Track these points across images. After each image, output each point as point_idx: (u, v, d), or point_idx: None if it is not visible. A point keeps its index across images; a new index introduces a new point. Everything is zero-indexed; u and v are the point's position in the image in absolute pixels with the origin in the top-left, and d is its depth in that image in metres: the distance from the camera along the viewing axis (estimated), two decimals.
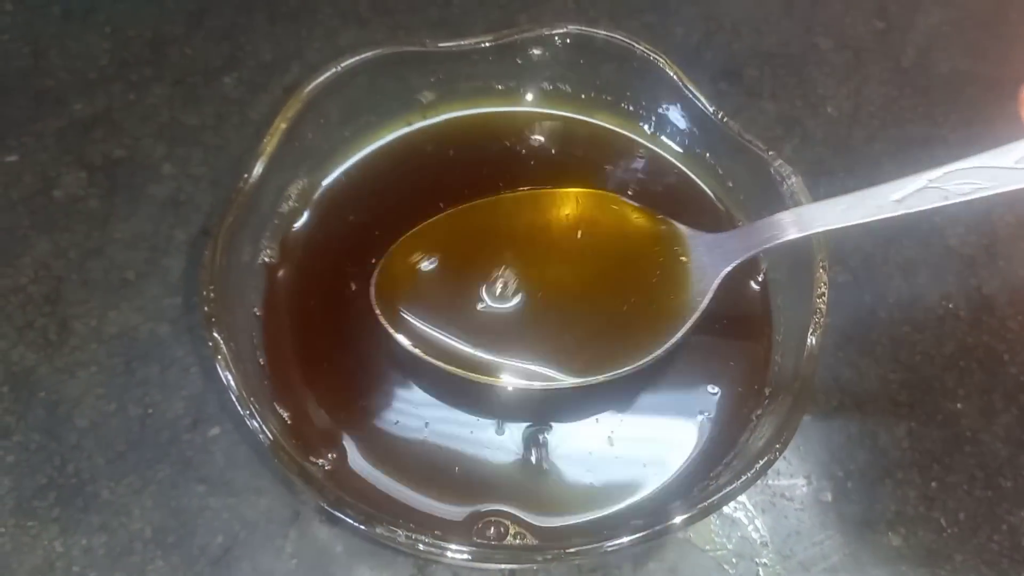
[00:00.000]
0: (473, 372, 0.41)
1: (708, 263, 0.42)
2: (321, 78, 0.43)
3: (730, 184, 0.47)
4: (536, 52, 0.47)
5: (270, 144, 0.41)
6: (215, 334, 0.37)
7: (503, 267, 0.43)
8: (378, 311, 0.42)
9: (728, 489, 0.34)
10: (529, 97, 0.49)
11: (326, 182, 0.47)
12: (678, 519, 0.34)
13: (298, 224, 0.46)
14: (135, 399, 0.47)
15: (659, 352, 0.41)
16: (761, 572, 0.44)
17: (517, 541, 0.37)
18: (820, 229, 0.40)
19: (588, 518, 0.39)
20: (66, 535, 0.44)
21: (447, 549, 0.34)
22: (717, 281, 0.41)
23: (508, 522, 0.38)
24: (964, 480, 0.48)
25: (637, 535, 0.34)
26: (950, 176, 0.40)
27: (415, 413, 0.41)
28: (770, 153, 0.42)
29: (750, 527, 0.45)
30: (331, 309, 0.44)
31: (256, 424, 0.36)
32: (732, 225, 0.46)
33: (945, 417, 0.49)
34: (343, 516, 0.34)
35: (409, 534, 0.34)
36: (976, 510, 0.47)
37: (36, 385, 0.47)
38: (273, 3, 0.60)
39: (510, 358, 0.41)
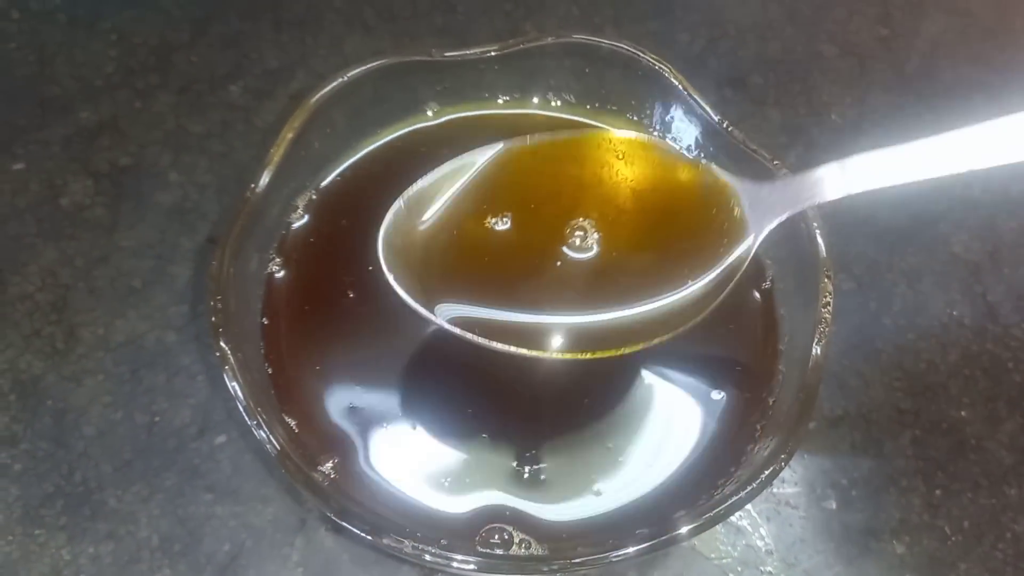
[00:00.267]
0: (504, 339, 0.39)
1: (752, 217, 0.40)
2: (327, 88, 0.43)
3: None
4: (541, 61, 0.47)
5: (277, 154, 0.42)
6: (223, 344, 0.37)
7: (530, 217, 0.42)
8: (386, 268, 0.39)
9: (734, 499, 0.35)
10: (535, 102, 0.50)
11: (332, 191, 0.47)
12: (684, 529, 0.34)
13: (304, 233, 0.46)
14: (142, 407, 0.47)
15: (698, 318, 0.39)
16: None
17: (522, 549, 0.37)
18: (877, 186, 0.37)
19: (592, 526, 0.39)
20: (73, 543, 0.44)
21: (453, 559, 0.34)
22: (762, 236, 0.39)
23: (512, 528, 0.39)
24: (968, 488, 0.48)
25: (643, 545, 0.34)
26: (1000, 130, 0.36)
27: (418, 420, 0.41)
28: (775, 163, 0.42)
29: (755, 535, 0.45)
30: (337, 318, 0.44)
31: (263, 434, 0.36)
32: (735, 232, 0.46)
33: (950, 425, 0.49)
34: (350, 527, 0.34)
35: (416, 544, 0.34)
36: (980, 518, 0.47)
37: (43, 393, 0.47)
38: (278, 11, 0.60)
39: (540, 319, 0.40)
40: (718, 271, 0.40)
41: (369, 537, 0.34)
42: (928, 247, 0.55)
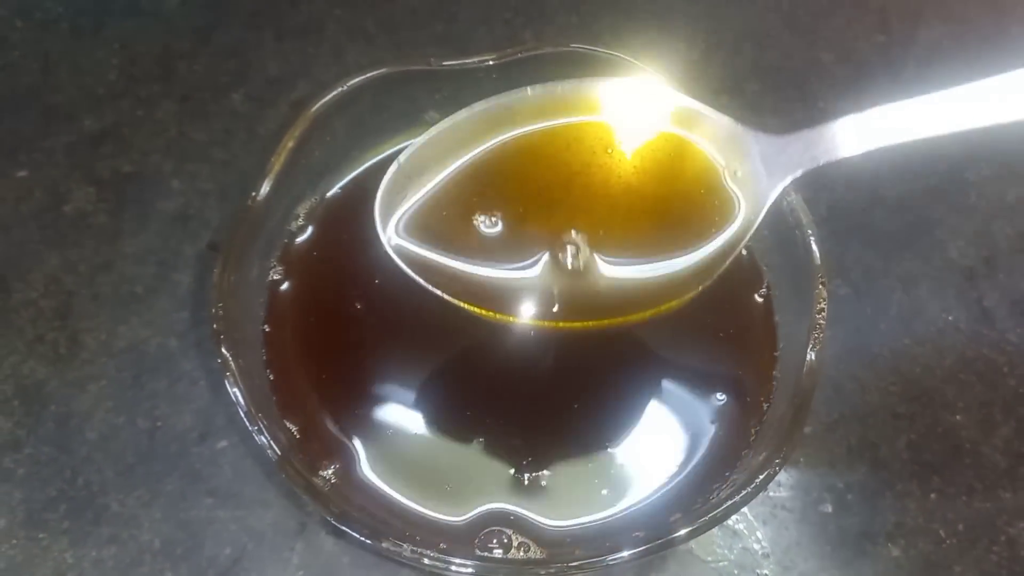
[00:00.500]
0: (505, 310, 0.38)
1: (766, 172, 0.38)
2: (328, 96, 0.44)
3: None
4: (539, 70, 0.47)
5: (278, 162, 0.42)
6: (224, 351, 0.37)
7: (531, 199, 0.41)
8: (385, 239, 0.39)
9: (730, 503, 0.35)
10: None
11: (333, 199, 0.47)
12: (681, 532, 0.35)
13: (305, 241, 0.46)
14: (144, 412, 0.48)
15: (708, 282, 0.38)
16: None
17: (521, 553, 0.38)
18: (897, 141, 0.35)
19: (590, 529, 0.39)
20: (76, 547, 0.44)
21: (452, 563, 0.34)
22: (776, 192, 0.37)
23: (511, 532, 0.39)
24: (964, 492, 0.48)
25: (640, 548, 0.34)
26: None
27: (417, 425, 0.42)
28: None
29: (751, 539, 0.46)
30: (337, 325, 0.44)
31: (264, 439, 0.36)
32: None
33: (945, 429, 0.49)
34: (350, 531, 0.35)
35: (415, 548, 0.34)
36: (975, 521, 0.47)
37: (47, 398, 0.48)
38: (280, 20, 0.61)
39: (542, 283, 0.39)
40: (731, 229, 0.39)
41: (369, 541, 0.35)
42: (924, 253, 0.55)
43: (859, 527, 0.46)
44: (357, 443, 0.41)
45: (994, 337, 0.53)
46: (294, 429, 0.41)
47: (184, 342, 0.50)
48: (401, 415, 0.42)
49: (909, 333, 0.52)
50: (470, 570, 0.34)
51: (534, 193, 0.41)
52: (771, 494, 0.47)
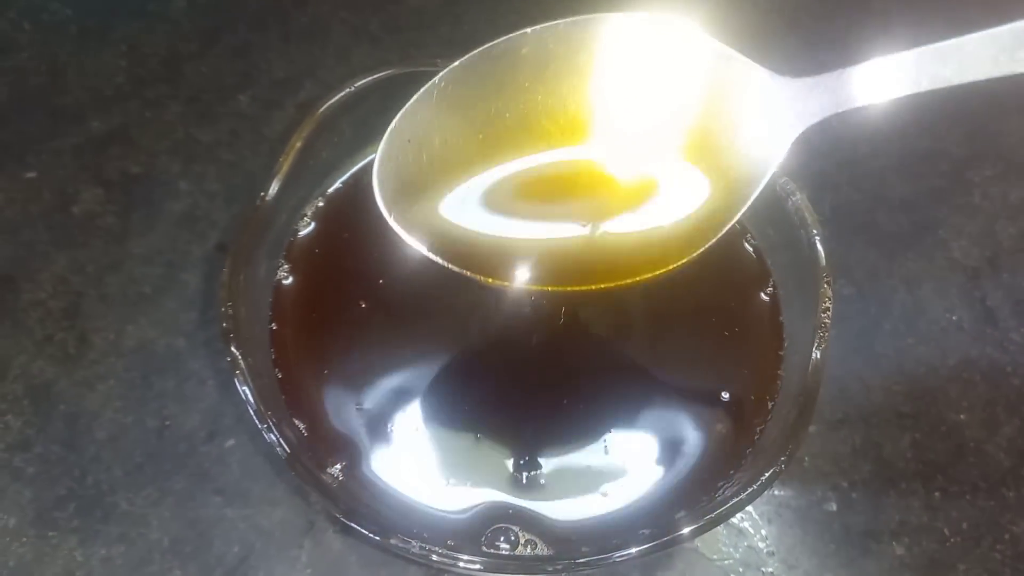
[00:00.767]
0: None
1: (780, 115, 0.36)
2: (335, 97, 0.44)
3: None
4: None
5: (286, 163, 0.42)
6: (233, 349, 0.38)
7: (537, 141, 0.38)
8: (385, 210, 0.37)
9: (735, 501, 0.35)
10: None
11: (338, 199, 0.48)
12: (686, 530, 0.35)
13: (311, 240, 0.46)
14: (152, 411, 0.48)
15: (723, 231, 0.36)
16: None
17: (528, 550, 0.38)
18: (933, 87, 0.33)
19: (597, 527, 0.40)
20: (85, 545, 0.45)
21: (460, 559, 0.35)
22: (792, 139, 0.36)
23: (518, 528, 0.39)
24: (967, 490, 0.48)
25: (647, 545, 0.34)
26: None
27: (423, 422, 0.42)
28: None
29: (756, 537, 0.46)
30: (344, 323, 0.45)
31: (274, 438, 0.36)
32: (740, 240, 0.47)
33: (949, 428, 0.50)
34: (359, 528, 0.35)
35: (423, 545, 0.34)
36: (979, 520, 0.47)
37: (56, 398, 0.48)
38: (286, 22, 0.61)
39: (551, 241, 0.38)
40: (748, 172, 0.37)
41: (377, 538, 0.35)
42: (928, 253, 0.55)
43: (863, 526, 0.47)
44: (363, 441, 0.41)
45: (997, 337, 0.53)
46: (302, 427, 0.41)
47: (192, 342, 0.50)
48: (405, 411, 0.42)
49: (913, 333, 0.53)
50: (478, 566, 0.34)
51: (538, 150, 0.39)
52: (776, 493, 0.47)
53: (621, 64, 0.38)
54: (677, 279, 0.43)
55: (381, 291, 0.45)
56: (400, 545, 0.35)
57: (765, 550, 0.46)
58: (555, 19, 0.61)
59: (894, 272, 0.54)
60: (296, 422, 0.41)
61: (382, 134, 0.48)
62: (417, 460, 0.41)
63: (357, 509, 0.36)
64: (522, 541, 0.38)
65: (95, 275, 0.52)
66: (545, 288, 0.37)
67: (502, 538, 0.38)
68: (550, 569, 0.35)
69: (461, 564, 0.35)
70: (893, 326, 0.53)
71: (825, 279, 0.40)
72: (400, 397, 0.43)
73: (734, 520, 0.46)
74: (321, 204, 0.47)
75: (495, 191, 0.39)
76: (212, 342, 0.50)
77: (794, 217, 0.42)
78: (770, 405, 0.42)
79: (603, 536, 0.39)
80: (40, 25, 0.61)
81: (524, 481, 0.41)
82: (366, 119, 0.47)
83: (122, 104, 0.58)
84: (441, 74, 0.38)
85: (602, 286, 0.37)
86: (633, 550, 0.34)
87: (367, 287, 0.45)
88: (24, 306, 0.51)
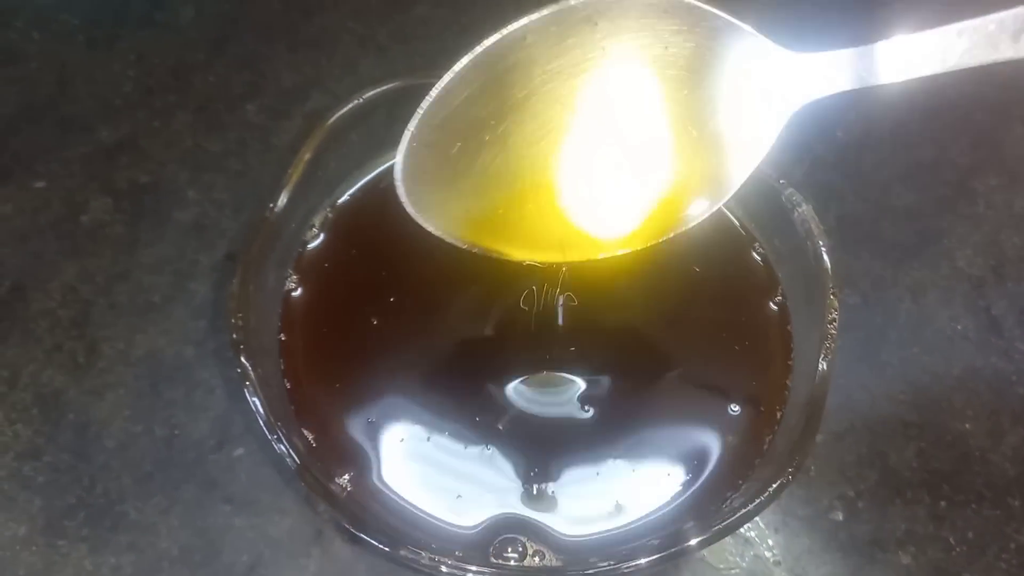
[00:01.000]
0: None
1: (777, 91, 0.37)
2: (345, 108, 0.44)
3: (739, 212, 0.48)
4: None
5: (295, 173, 0.43)
6: (244, 360, 0.38)
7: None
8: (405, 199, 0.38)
9: (743, 511, 0.35)
10: None
11: (346, 208, 0.48)
12: (694, 541, 0.35)
13: (319, 250, 0.47)
14: (161, 420, 0.48)
15: (719, 204, 0.39)
16: None
17: (536, 561, 0.38)
18: (941, 69, 0.34)
19: (605, 538, 0.40)
20: (95, 554, 0.45)
21: (468, 570, 0.35)
22: (788, 116, 0.37)
23: (526, 539, 0.39)
24: (973, 500, 0.48)
25: (654, 556, 0.35)
26: None
27: (431, 433, 0.42)
28: (781, 181, 0.43)
29: (763, 546, 0.46)
30: (352, 333, 0.45)
31: (283, 448, 0.37)
32: (749, 249, 0.47)
33: (954, 438, 0.50)
34: (368, 539, 0.35)
35: (432, 556, 0.34)
36: (984, 529, 0.47)
37: (65, 407, 0.48)
38: (293, 31, 0.62)
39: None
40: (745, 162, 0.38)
41: (387, 549, 0.35)
42: (932, 262, 0.55)
43: (869, 535, 0.47)
44: (371, 451, 0.42)
45: (1002, 346, 0.53)
46: (310, 437, 0.41)
47: (201, 351, 0.50)
48: (414, 421, 0.43)
49: (918, 342, 0.53)
50: None
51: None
52: (782, 502, 0.47)
53: (626, 44, 0.37)
54: (687, 288, 0.44)
55: (390, 301, 0.45)
56: (409, 556, 0.35)
57: (772, 559, 0.46)
58: None
59: (899, 281, 0.55)
60: (305, 432, 0.41)
61: (391, 144, 0.48)
62: (426, 470, 0.41)
63: (366, 520, 0.36)
64: (530, 552, 0.38)
65: (104, 284, 0.52)
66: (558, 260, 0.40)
67: (510, 549, 0.39)
68: None
69: (470, 575, 0.35)
70: (898, 335, 0.53)
71: (832, 290, 0.40)
72: (409, 407, 0.43)
73: (741, 529, 0.46)
74: (330, 214, 0.47)
75: (510, 173, 0.39)
76: (221, 351, 0.50)
77: (800, 228, 0.42)
78: (779, 415, 0.42)
79: (611, 547, 0.39)
80: (49, 35, 0.61)
81: (534, 492, 0.41)
82: (375, 130, 0.47)
83: (130, 114, 0.58)
84: (449, 75, 0.39)
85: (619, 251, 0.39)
86: (642, 561, 0.35)
87: (376, 297, 0.45)
88: (33, 315, 0.51)
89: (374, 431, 0.42)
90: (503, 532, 0.40)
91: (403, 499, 0.41)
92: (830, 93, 0.36)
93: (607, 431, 0.43)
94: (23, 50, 0.60)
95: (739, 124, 0.38)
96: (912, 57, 0.34)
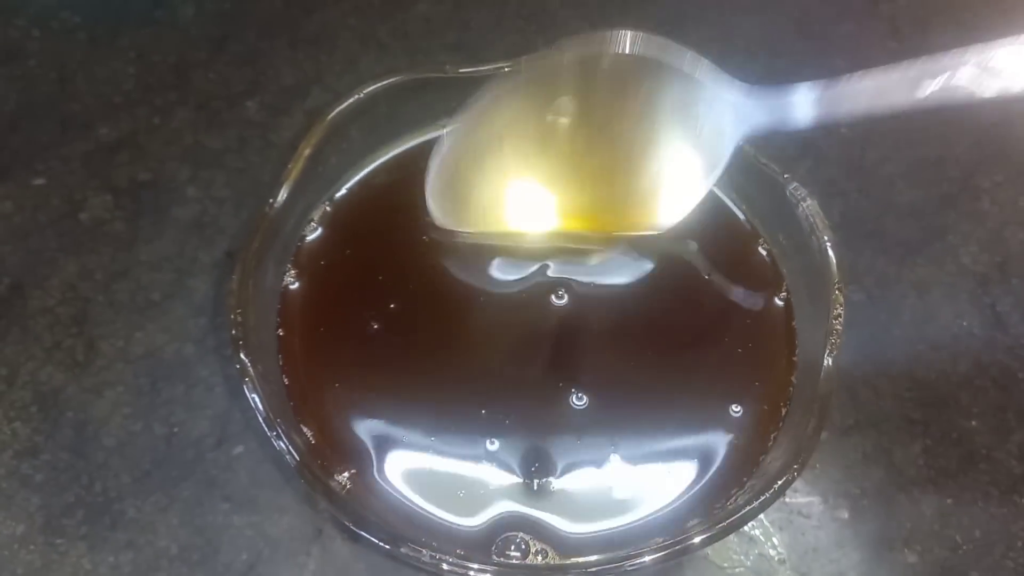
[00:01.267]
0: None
1: (726, 121, 0.43)
2: (345, 104, 0.44)
3: (744, 207, 0.47)
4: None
5: (295, 169, 0.42)
6: (243, 356, 0.38)
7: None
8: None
9: (747, 509, 0.35)
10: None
11: (345, 204, 0.47)
12: (698, 539, 0.35)
13: (318, 246, 0.46)
14: (161, 418, 0.48)
15: (678, 220, 0.45)
16: None
17: (539, 559, 0.38)
18: (853, 110, 0.39)
19: (609, 535, 0.39)
20: (94, 552, 0.45)
21: (470, 568, 0.34)
22: (735, 144, 0.43)
23: (528, 537, 0.39)
24: (979, 497, 0.48)
25: (658, 554, 0.34)
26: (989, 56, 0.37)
27: (431, 430, 0.42)
28: (785, 176, 0.43)
29: (767, 544, 0.46)
30: (352, 330, 0.45)
31: (283, 445, 0.36)
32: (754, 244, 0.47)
33: (960, 435, 0.49)
34: (369, 536, 0.35)
35: (434, 554, 0.34)
36: (991, 527, 0.47)
37: (64, 405, 0.48)
38: (294, 29, 0.61)
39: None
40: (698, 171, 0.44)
41: (388, 546, 0.35)
42: (937, 258, 0.55)
43: (875, 533, 0.46)
44: (370, 448, 0.41)
45: (1008, 342, 0.53)
46: (309, 434, 0.41)
47: (200, 348, 0.50)
48: (414, 417, 0.42)
49: (923, 339, 0.52)
50: (489, 575, 0.34)
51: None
52: (787, 500, 0.47)
53: (600, 89, 0.45)
54: (691, 283, 0.44)
55: (389, 297, 0.45)
56: (410, 554, 0.34)
57: (776, 557, 0.46)
58: (559, 24, 0.62)
59: (904, 278, 0.54)
60: (304, 429, 0.41)
61: (391, 139, 0.48)
62: (427, 467, 0.41)
63: (366, 517, 0.36)
64: (533, 550, 0.38)
65: (103, 282, 0.52)
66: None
67: (512, 547, 0.38)
68: None
69: (471, 573, 0.34)
70: (903, 332, 0.52)
71: (837, 286, 0.40)
72: (409, 403, 0.43)
73: (745, 528, 0.46)
74: (328, 209, 0.47)
75: (512, 174, 0.46)
76: (220, 348, 0.50)
77: (805, 223, 0.42)
78: (783, 412, 0.41)
79: (614, 544, 0.39)
80: (49, 32, 0.61)
81: (535, 488, 0.40)
82: (375, 125, 0.47)
83: (131, 111, 0.58)
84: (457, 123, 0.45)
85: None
86: (645, 559, 0.34)
87: (375, 292, 0.45)
88: (32, 313, 0.51)
89: (374, 428, 0.42)
90: (506, 529, 0.39)
91: (404, 496, 0.40)
92: (779, 127, 0.41)
93: (610, 427, 0.42)
94: (23, 47, 0.60)
95: (699, 145, 0.44)
96: (827, 102, 0.40)
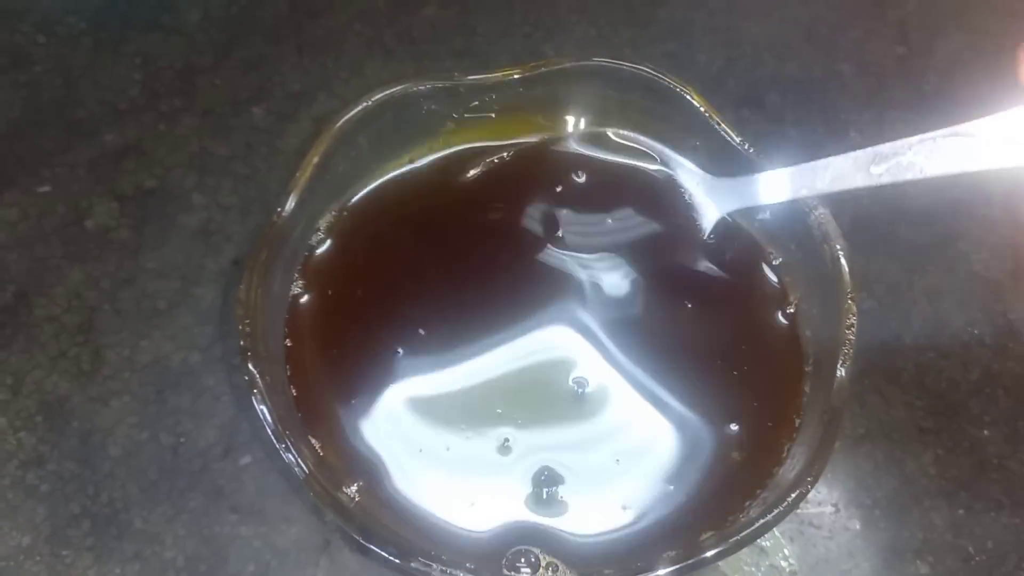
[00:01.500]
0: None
1: (709, 204, 0.47)
2: (353, 111, 0.44)
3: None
4: (563, 84, 0.47)
5: (303, 177, 0.42)
6: (251, 367, 0.37)
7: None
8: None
9: (761, 522, 0.35)
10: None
11: (352, 213, 0.47)
12: (711, 552, 0.34)
13: (325, 255, 0.46)
14: (167, 428, 0.48)
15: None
16: None
17: (550, 573, 0.38)
18: (811, 193, 0.42)
19: (620, 548, 0.39)
20: (100, 564, 0.44)
21: None
22: (716, 219, 0.46)
23: (539, 551, 0.39)
24: (991, 507, 0.48)
25: (671, 568, 0.34)
26: (936, 143, 0.40)
27: (440, 442, 0.42)
28: None
29: (779, 555, 0.45)
30: (359, 340, 0.44)
31: (291, 457, 0.36)
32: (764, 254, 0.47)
33: (971, 444, 0.49)
34: (379, 550, 0.34)
35: (444, 568, 0.34)
36: (1003, 537, 0.47)
37: (70, 414, 0.48)
38: (300, 35, 0.61)
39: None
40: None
41: (397, 560, 0.34)
42: (948, 266, 0.55)
43: (887, 543, 0.46)
44: (378, 460, 0.41)
45: (1020, 351, 0.52)
46: (317, 445, 0.41)
47: (207, 357, 0.49)
48: (424, 430, 0.42)
49: (934, 347, 0.52)
50: None
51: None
52: (798, 511, 0.46)
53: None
54: (701, 292, 0.44)
55: (397, 305, 0.45)
56: (420, 568, 0.34)
57: (788, 569, 0.45)
58: (566, 30, 0.61)
59: (915, 286, 0.54)
60: (312, 440, 0.40)
61: (399, 147, 0.48)
62: (436, 478, 0.41)
63: (375, 530, 0.35)
64: (543, 563, 0.38)
65: (109, 290, 0.51)
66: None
67: (523, 560, 0.38)
68: None
69: None
70: (914, 340, 0.52)
71: (849, 295, 0.40)
72: (419, 414, 0.42)
73: None
74: (336, 218, 0.47)
75: None
76: (227, 357, 0.49)
77: (817, 231, 0.42)
78: (797, 423, 0.41)
79: (626, 558, 0.38)
80: (54, 38, 0.61)
81: (544, 497, 0.40)
82: (383, 133, 0.46)
83: (136, 117, 0.57)
84: None
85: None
86: (658, 572, 0.34)
87: (383, 301, 0.45)
88: (38, 321, 0.50)
89: (383, 439, 0.42)
90: (516, 542, 0.39)
91: (413, 509, 0.40)
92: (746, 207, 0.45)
93: (621, 438, 0.42)
94: (28, 53, 0.60)
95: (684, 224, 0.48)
96: (788, 185, 0.42)
